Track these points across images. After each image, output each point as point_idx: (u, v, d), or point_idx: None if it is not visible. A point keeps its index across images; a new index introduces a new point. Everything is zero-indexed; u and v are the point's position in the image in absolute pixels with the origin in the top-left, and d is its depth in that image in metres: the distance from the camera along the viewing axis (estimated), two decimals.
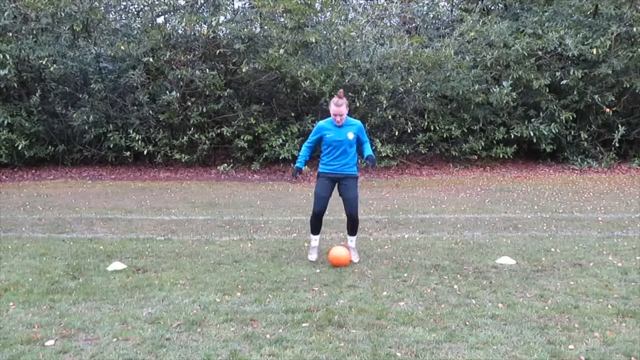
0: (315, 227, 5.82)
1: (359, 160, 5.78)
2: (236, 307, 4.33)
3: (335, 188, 5.79)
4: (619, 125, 14.51)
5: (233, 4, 14.89)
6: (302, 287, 4.83)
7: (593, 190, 11.22)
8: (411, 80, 13.54)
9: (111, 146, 14.06)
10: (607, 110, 14.59)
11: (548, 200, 9.90)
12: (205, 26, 13.22)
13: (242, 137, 13.76)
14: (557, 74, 14.25)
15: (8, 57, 12.65)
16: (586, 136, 14.88)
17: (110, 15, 15.03)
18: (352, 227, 5.79)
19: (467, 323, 3.99)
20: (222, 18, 13.60)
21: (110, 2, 14.56)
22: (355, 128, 5.62)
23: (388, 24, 15.41)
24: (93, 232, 7.29)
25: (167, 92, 13.39)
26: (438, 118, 14.57)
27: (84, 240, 6.80)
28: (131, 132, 13.65)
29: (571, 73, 13.96)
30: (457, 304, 4.39)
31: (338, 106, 5.44)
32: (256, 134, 13.96)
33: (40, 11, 13.03)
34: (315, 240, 5.85)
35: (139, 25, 14.31)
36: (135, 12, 15.13)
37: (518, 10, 15.95)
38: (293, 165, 13.63)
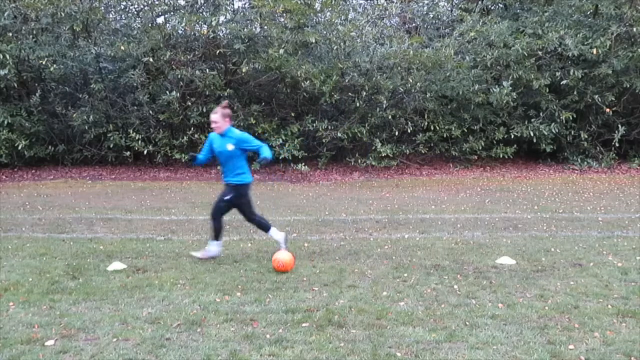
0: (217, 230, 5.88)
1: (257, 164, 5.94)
2: (236, 307, 4.33)
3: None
4: (619, 125, 14.51)
5: (233, 4, 14.89)
6: (302, 287, 4.83)
7: (593, 190, 11.22)
8: (411, 80, 13.54)
9: (111, 146, 14.06)
10: (607, 110, 14.59)
11: (548, 200, 9.90)
12: (205, 26, 13.23)
13: None
14: (557, 74, 14.25)
15: (8, 57, 12.66)
16: (586, 136, 14.87)
17: (110, 15, 15.04)
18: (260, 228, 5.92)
19: (467, 323, 3.98)
20: (222, 18, 13.60)
21: (110, 2, 14.57)
22: (234, 140, 5.66)
23: (388, 24, 15.41)
24: (93, 232, 7.29)
25: (167, 92, 13.39)
26: (438, 118, 14.58)
27: (84, 240, 6.80)
28: (131, 132, 13.65)
29: (571, 73, 13.96)
30: (457, 304, 4.39)
31: (213, 113, 5.67)
32: (256, 134, 13.95)
33: (40, 11, 13.04)
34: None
35: (139, 25, 14.32)
36: (135, 12, 15.13)
37: (518, 10, 15.95)
38: (293, 165, 13.77)
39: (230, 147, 5.65)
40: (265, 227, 5.88)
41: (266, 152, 5.56)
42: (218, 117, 5.64)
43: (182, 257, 5.92)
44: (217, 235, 5.82)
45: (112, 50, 13.27)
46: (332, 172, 14.20)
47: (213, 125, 5.70)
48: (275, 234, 5.88)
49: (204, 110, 13.73)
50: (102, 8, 13.99)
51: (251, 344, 3.62)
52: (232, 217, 8.37)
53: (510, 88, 13.65)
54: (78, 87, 14.41)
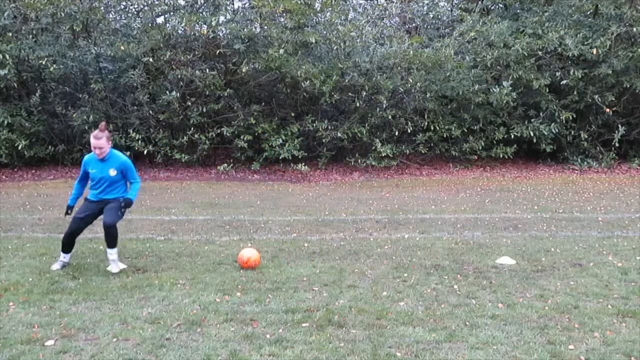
0: (67, 245, 5.42)
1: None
2: (236, 307, 4.33)
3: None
4: (619, 125, 14.51)
5: (233, 4, 14.90)
6: (302, 287, 4.83)
7: (593, 190, 11.22)
8: (411, 80, 13.54)
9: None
10: (607, 110, 14.59)
11: (548, 200, 9.90)
12: (205, 26, 13.22)
13: (242, 137, 13.77)
14: (557, 74, 14.25)
15: (8, 57, 12.65)
16: (586, 136, 14.87)
17: (110, 15, 15.04)
18: (108, 239, 5.33)
19: (467, 323, 3.98)
20: (222, 18, 13.60)
21: (110, 2, 14.56)
22: (117, 164, 5.37)
23: (388, 24, 15.41)
24: (93, 232, 7.28)
25: (167, 92, 13.39)
26: (438, 118, 14.58)
27: (84, 240, 6.79)
28: (131, 132, 13.65)
29: (571, 73, 13.96)
30: (457, 304, 4.39)
31: (97, 139, 5.22)
32: (256, 134, 13.97)
33: (40, 11, 13.03)
34: (65, 257, 5.44)
35: (139, 25, 14.32)
36: (135, 12, 15.13)
37: (518, 10, 15.95)
38: (293, 165, 13.77)
39: (112, 172, 5.36)
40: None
41: (133, 193, 5.39)
42: (105, 141, 5.25)
43: (182, 257, 5.92)
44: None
45: (112, 50, 13.27)
46: (332, 172, 14.20)
47: (98, 151, 5.26)
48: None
49: (204, 110, 13.74)
50: (102, 8, 13.99)
51: (251, 344, 3.62)
52: (232, 217, 8.39)
53: (510, 88, 13.65)
54: (78, 87, 14.41)
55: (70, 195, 5.61)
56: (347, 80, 13.56)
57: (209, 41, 13.55)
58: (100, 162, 5.39)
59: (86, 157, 5.55)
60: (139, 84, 13.44)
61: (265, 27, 13.45)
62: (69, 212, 5.62)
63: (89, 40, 13.71)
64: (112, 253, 5.36)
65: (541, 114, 14.52)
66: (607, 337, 3.72)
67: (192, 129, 13.72)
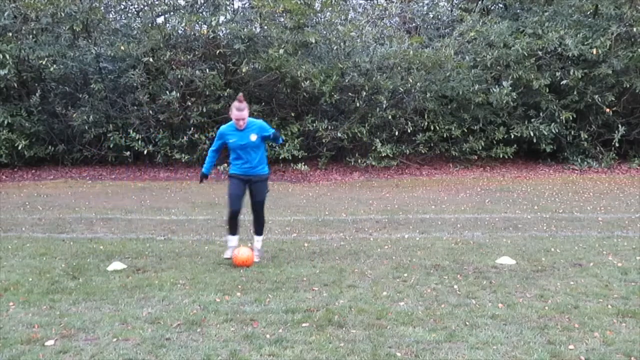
0: (233, 227, 5.74)
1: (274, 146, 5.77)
2: (236, 307, 4.32)
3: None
4: (619, 125, 14.51)
5: (233, 4, 14.90)
6: (302, 287, 4.83)
7: (593, 190, 11.22)
8: (411, 80, 13.54)
9: (111, 146, 14.06)
10: (607, 110, 14.59)
11: (548, 200, 9.90)
12: (205, 26, 13.22)
13: None
14: (557, 74, 14.25)
15: (8, 57, 12.65)
16: (586, 136, 14.87)
17: (110, 15, 15.04)
18: (257, 225, 5.78)
19: (467, 323, 3.98)
20: (222, 18, 13.61)
21: (110, 2, 14.57)
22: (256, 128, 5.53)
23: (388, 24, 15.41)
24: (93, 232, 7.29)
25: (167, 92, 13.39)
26: (438, 118, 14.58)
27: (84, 240, 6.80)
28: (131, 132, 13.66)
29: (571, 73, 13.97)
30: (457, 304, 4.39)
31: (240, 110, 5.39)
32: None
33: (40, 11, 13.04)
34: (232, 240, 5.74)
35: (139, 25, 14.32)
36: (135, 12, 15.14)
37: (518, 10, 15.95)
38: (293, 165, 13.76)
39: (253, 137, 5.49)
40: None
41: (274, 133, 5.57)
42: (247, 112, 5.44)
43: (182, 257, 5.92)
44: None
45: (112, 50, 13.27)
46: (332, 172, 14.20)
47: (242, 122, 5.41)
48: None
49: (204, 110, 13.74)
50: (102, 8, 13.99)
51: (251, 344, 3.62)
52: None
53: (510, 88, 13.65)
54: (78, 87, 14.41)
55: (204, 165, 5.79)
56: (347, 80, 13.55)
57: (209, 41, 13.56)
58: (238, 130, 5.48)
59: (221, 128, 5.64)
60: (139, 84, 13.44)
61: (265, 27, 13.45)
62: (203, 181, 5.91)
63: (89, 40, 13.72)
64: (259, 241, 5.74)
65: (541, 114, 14.52)
66: (607, 337, 3.72)
67: (192, 129, 13.72)
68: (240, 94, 5.63)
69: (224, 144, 5.65)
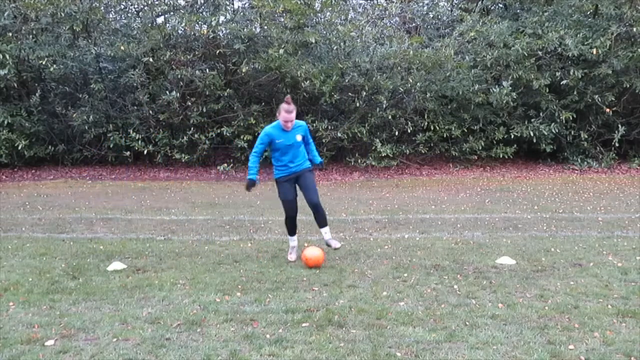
0: (292, 228, 5.89)
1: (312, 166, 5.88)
2: (236, 307, 4.33)
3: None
4: (619, 125, 14.50)
5: (233, 4, 14.90)
6: (302, 287, 4.83)
7: (593, 190, 11.22)
8: (411, 80, 13.54)
9: (111, 146, 14.07)
10: (607, 110, 14.58)
11: (548, 200, 9.90)
12: (205, 26, 13.22)
13: (242, 137, 13.76)
14: (557, 74, 14.24)
15: (8, 57, 12.65)
16: (586, 136, 14.87)
17: (110, 15, 15.04)
18: (319, 218, 5.78)
19: (467, 323, 3.98)
20: (222, 18, 13.60)
21: (110, 2, 14.56)
22: (302, 130, 5.72)
23: (388, 24, 15.40)
24: (93, 232, 7.29)
25: (167, 92, 13.39)
26: (438, 118, 14.58)
27: (84, 240, 6.80)
28: (131, 132, 13.66)
29: (571, 73, 13.96)
30: (457, 304, 4.39)
31: (289, 112, 5.47)
32: (256, 134, 13.93)
33: (40, 11, 13.04)
34: (293, 240, 5.92)
35: (139, 25, 14.31)
36: (135, 12, 15.13)
37: (518, 10, 15.94)
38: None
39: (299, 137, 5.66)
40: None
41: (316, 154, 5.96)
42: (295, 114, 5.54)
43: (182, 257, 5.92)
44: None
45: (112, 50, 13.27)
46: (332, 172, 14.20)
47: (290, 124, 5.51)
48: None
49: (204, 110, 13.74)
50: (102, 8, 13.98)
51: (251, 344, 3.62)
52: (232, 217, 8.39)
53: (510, 88, 13.65)
54: (78, 87, 14.41)
55: (250, 171, 5.80)
56: (347, 80, 13.55)
57: (209, 41, 13.56)
58: (285, 131, 5.59)
59: (267, 129, 5.66)
60: (139, 84, 13.45)
61: (265, 27, 13.45)
62: (250, 189, 5.90)
63: (89, 40, 13.72)
64: (327, 232, 5.75)
65: (541, 114, 14.52)
66: (607, 337, 3.72)
67: (192, 129, 13.72)
68: (288, 96, 5.68)
69: (268, 145, 5.71)
